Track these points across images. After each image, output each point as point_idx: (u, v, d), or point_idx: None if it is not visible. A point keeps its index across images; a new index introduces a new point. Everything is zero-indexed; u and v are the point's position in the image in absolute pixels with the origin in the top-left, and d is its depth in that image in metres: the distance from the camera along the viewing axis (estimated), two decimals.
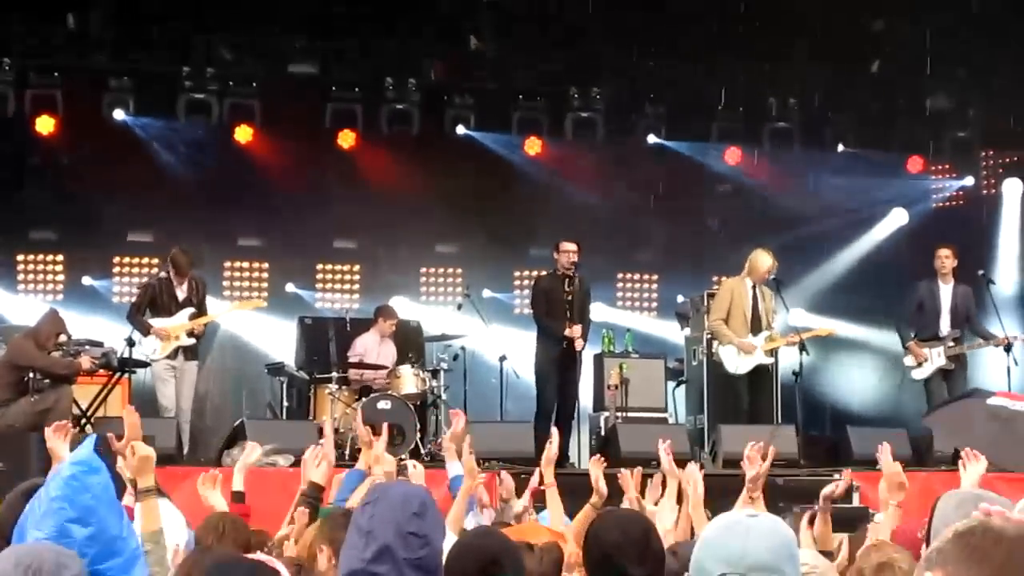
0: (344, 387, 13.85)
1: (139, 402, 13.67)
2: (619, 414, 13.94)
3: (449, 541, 4.18)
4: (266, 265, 17.39)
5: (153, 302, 13.35)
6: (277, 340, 16.23)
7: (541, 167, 17.34)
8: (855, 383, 17.82)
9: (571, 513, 7.87)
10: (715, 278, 16.51)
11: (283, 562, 4.53)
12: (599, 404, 14.52)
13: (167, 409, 13.08)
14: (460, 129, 16.88)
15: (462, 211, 16.89)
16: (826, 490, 6.95)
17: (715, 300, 14.08)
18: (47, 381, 11.92)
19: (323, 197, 16.86)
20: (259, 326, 16.46)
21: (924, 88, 17.87)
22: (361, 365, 14.27)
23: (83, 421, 12.40)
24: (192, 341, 13.34)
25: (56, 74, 15.74)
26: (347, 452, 11.75)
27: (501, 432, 13.18)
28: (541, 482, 7.81)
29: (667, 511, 6.94)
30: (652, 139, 17.39)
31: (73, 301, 15.91)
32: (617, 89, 17.28)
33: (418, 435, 13.35)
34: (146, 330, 13.14)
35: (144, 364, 13.30)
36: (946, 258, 13.92)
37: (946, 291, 13.95)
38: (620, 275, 18.39)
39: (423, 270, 17.95)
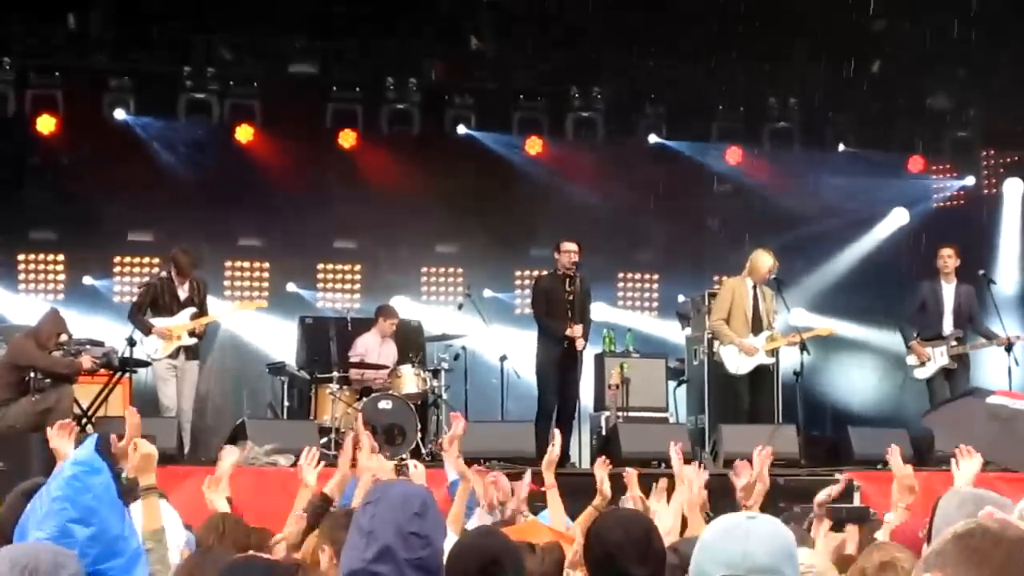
0: (345, 387, 13.86)
1: (140, 402, 13.71)
2: (620, 414, 13.94)
3: (450, 541, 4.19)
4: (267, 265, 17.40)
5: (155, 302, 13.35)
6: (278, 340, 16.23)
7: (541, 167, 17.35)
8: (856, 383, 17.82)
9: (572, 513, 7.88)
10: (715, 278, 16.53)
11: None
12: (600, 404, 14.52)
13: (168, 409, 13.09)
14: (461, 129, 16.89)
15: (463, 211, 16.89)
16: (820, 495, 6.96)
17: (716, 300, 14.08)
18: (48, 381, 11.93)
19: (324, 197, 16.86)
20: (260, 326, 16.46)
21: (924, 88, 17.87)
22: (362, 365, 14.27)
23: (84, 421, 12.39)
24: (194, 341, 13.35)
25: (56, 74, 15.75)
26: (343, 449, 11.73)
27: (502, 432, 13.18)
28: (542, 484, 7.80)
29: (669, 512, 6.92)
30: (653, 139, 17.40)
31: (74, 301, 15.92)
32: (617, 89, 17.29)
33: (419, 435, 13.35)
34: (148, 330, 13.14)
35: (145, 364, 13.30)
36: (948, 258, 13.91)
37: (949, 291, 13.95)
38: (621, 275, 18.39)
39: (424, 270, 17.95)
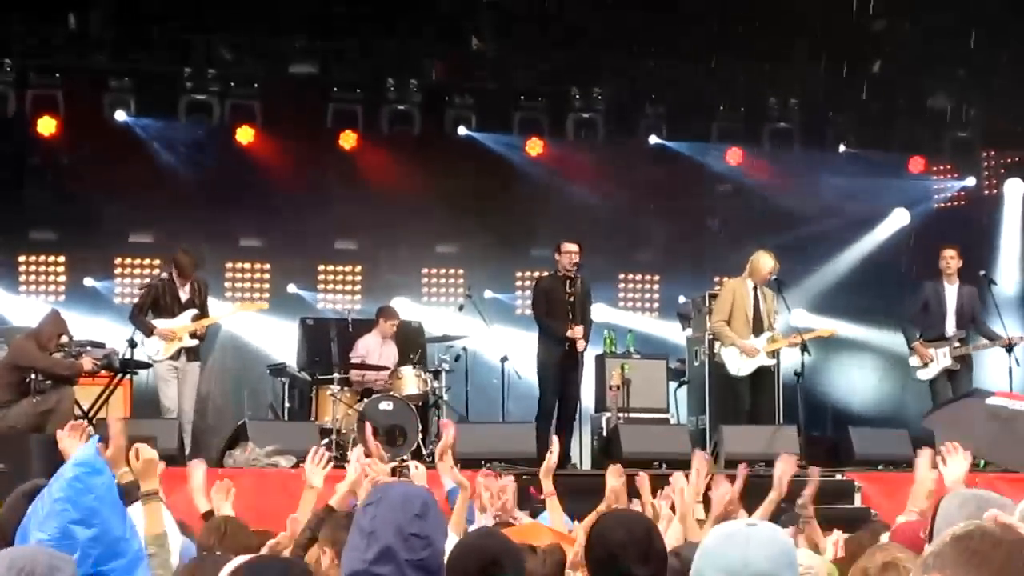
0: (346, 388, 13.86)
1: (141, 403, 13.74)
2: (621, 415, 13.94)
3: (451, 542, 4.19)
4: (267, 266, 17.40)
5: (156, 303, 13.35)
6: (279, 341, 16.22)
7: (542, 167, 17.35)
8: (856, 383, 17.82)
9: (572, 514, 7.87)
10: (716, 278, 16.53)
11: None
12: (601, 405, 14.52)
13: (169, 410, 13.09)
14: (461, 130, 16.89)
15: (463, 211, 16.89)
16: (800, 502, 6.98)
17: (717, 301, 14.07)
18: (49, 382, 11.92)
19: (324, 198, 16.86)
20: (261, 327, 16.45)
21: (924, 88, 17.87)
22: (363, 366, 14.28)
23: (85, 422, 12.38)
24: (195, 342, 13.35)
25: (57, 75, 15.75)
26: (348, 453, 11.73)
27: (503, 433, 13.19)
28: (541, 491, 7.78)
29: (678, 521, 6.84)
30: (653, 140, 17.40)
31: (74, 302, 15.92)
32: (617, 89, 17.29)
33: (420, 436, 13.36)
34: (149, 331, 13.14)
35: (146, 365, 13.30)
36: (951, 259, 13.90)
37: (951, 292, 13.94)
38: (621, 276, 18.38)
39: (424, 271, 17.95)
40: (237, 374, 16.35)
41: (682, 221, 18.12)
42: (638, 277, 18.55)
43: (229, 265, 17.19)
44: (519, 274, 17.72)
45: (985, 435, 6.27)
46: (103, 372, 12.95)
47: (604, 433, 14.00)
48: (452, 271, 17.91)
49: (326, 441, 12.98)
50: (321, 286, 17.61)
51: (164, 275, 13.65)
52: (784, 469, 7.19)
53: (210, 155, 16.52)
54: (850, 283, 17.88)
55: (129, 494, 5.13)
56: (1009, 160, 18.33)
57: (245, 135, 16.29)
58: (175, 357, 13.18)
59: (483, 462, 11.92)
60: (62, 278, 16.78)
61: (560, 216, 16.49)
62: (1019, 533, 2.33)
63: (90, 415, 12.60)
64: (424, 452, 13.22)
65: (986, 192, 18.43)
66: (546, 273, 14.28)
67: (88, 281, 16.77)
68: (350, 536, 3.93)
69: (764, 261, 13.62)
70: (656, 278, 18.49)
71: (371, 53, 16.64)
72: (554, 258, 13.79)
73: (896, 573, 4.19)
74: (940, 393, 13.56)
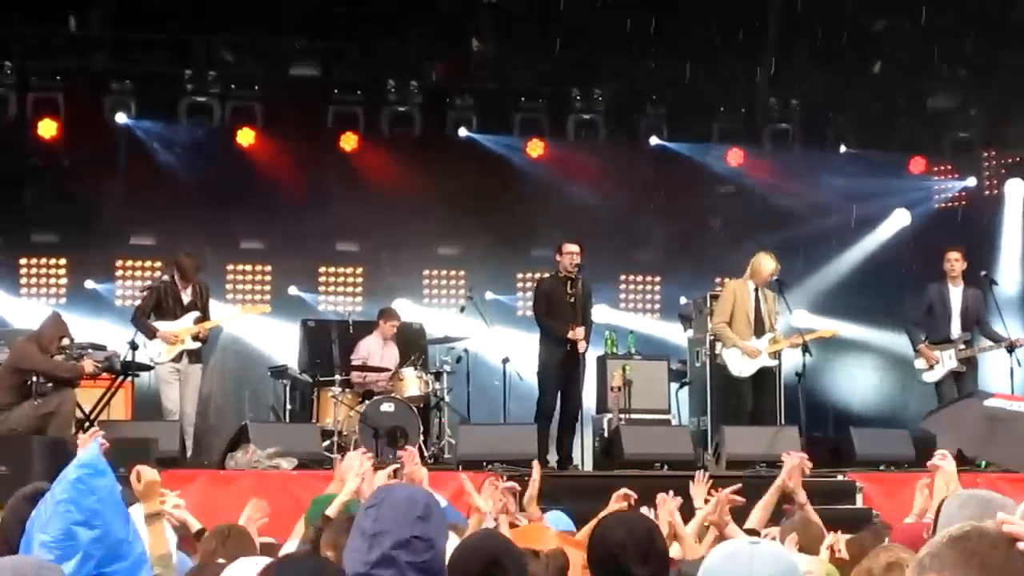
0: (347, 390, 13.87)
1: (142, 405, 13.74)
2: (622, 416, 13.94)
3: (451, 543, 4.18)
4: (268, 268, 17.40)
5: (158, 306, 13.34)
6: (280, 343, 16.23)
7: (543, 168, 17.35)
8: (858, 384, 17.81)
9: (572, 514, 7.86)
10: (717, 279, 16.53)
11: None
12: (602, 406, 14.51)
13: (171, 412, 13.08)
14: (462, 131, 16.90)
15: (464, 213, 16.88)
16: (800, 497, 7.03)
17: (718, 303, 14.06)
18: (50, 385, 11.91)
19: (325, 199, 16.87)
20: (262, 329, 16.45)
21: (925, 88, 17.87)
22: (364, 368, 14.28)
23: (86, 425, 12.39)
24: (197, 345, 13.35)
25: (57, 77, 15.76)
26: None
27: (504, 434, 13.17)
28: (530, 521, 7.73)
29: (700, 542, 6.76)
30: (654, 140, 17.41)
31: (76, 304, 15.92)
32: (618, 90, 17.30)
33: (421, 437, 13.36)
34: (152, 334, 13.14)
35: (147, 367, 13.29)
36: (955, 261, 13.85)
37: (956, 294, 13.91)
38: (622, 276, 18.38)
39: (425, 272, 17.95)
40: (238, 374, 16.35)
41: (683, 222, 18.12)
42: (639, 278, 18.55)
43: (230, 267, 17.20)
44: (520, 275, 17.72)
45: (983, 436, 6.28)
46: (104, 374, 12.94)
47: (605, 434, 14.00)
48: (453, 272, 17.91)
49: (327, 443, 13.02)
50: (322, 288, 17.62)
51: (166, 277, 13.63)
52: (792, 465, 7.32)
53: (211, 157, 16.51)
54: (851, 284, 17.87)
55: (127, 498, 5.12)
56: (1010, 160, 18.30)
57: (246, 137, 16.30)
58: (177, 359, 13.17)
59: (484, 463, 11.93)
60: (63, 280, 16.79)
61: (561, 217, 16.49)
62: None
63: (91, 417, 12.60)
64: (426, 454, 13.23)
65: (987, 192, 18.41)
66: (547, 274, 14.26)
67: (89, 283, 16.78)
68: (351, 538, 3.92)
69: (765, 263, 13.61)
70: (657, 279, 18.49)
71: (371, 54, 16.65)
72: (555, 259, 13.78)
73: (900, 573, 4.19)
74: (946, 396, 13.50)
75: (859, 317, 17.39)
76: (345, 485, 6.42)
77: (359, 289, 17.66)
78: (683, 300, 16.46)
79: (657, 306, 18.30)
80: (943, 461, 6.52)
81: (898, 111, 17.95)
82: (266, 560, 4.23)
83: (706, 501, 7.14)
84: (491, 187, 17.21)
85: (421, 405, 13.83)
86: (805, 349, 13.52)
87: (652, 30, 16.76)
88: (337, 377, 13.93)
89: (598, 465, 13.74)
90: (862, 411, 17.01)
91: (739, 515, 6.96)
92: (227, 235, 16.85)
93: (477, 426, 13.74)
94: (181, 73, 16.03)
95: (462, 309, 15.25)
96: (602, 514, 6.91)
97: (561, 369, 13.40)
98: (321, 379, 14.11)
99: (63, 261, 16.82)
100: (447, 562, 4.01)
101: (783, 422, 13.70)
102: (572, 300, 13.46)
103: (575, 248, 13.55)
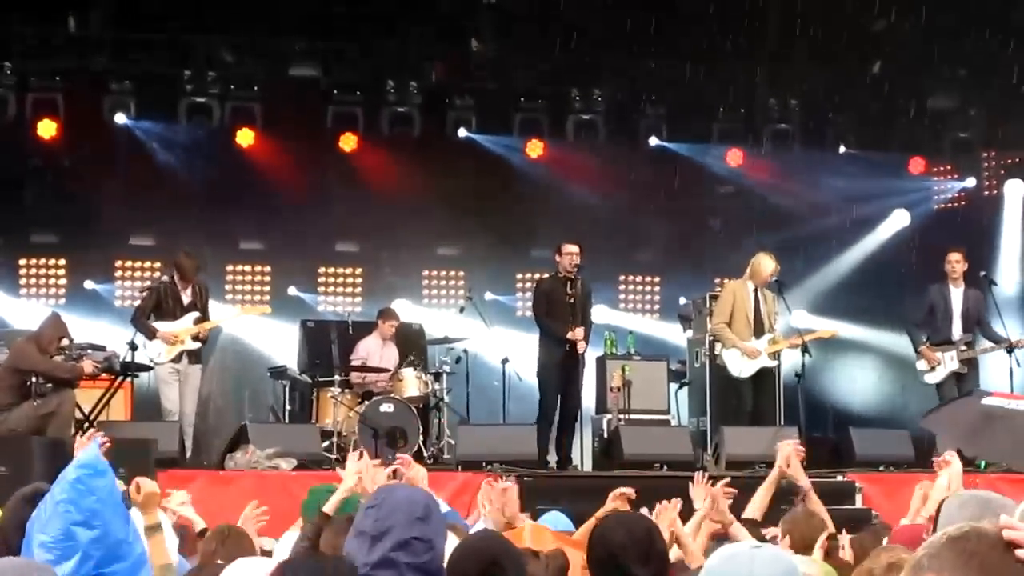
0: (346, 390, 13.87)
1: (142, 406, 13.73)
2: (621, 416, 13.93)
3: (450, 544, 4.18)
4: (268, 268, 17.40)
5: (158, 306, 13.33)
6: (279, 343, 16.22)
7: (542, 168, 17.35)
8: (857, 384, 17.81)
9: (571, 515, 7.86)
10: (717, 279, 16.53)
11: None
12: (601, 406, 14.50)
13: (171, 412, 13.07)
14: (462, 132, 16.90)
15: (463, 213, 16.88)
16: (803, 482, 7.06)
17: (718, 303, 14.05)
18: (50, 385, 11.90)
19: (324, 200, 16.87)
20: (261, 329, 16.44)
21: (925, 88, 17.86)
22: (363, 368, 14.28)
23: (86, 425, 12.38)
24: (197, 345, 13.34)
25: (57, 77, 15.76)
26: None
27: (504, 434, 13.19)
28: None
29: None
30: (653, 140, 17.40)
31: (75, 305, 15.92)
32: (617, 90, 17.29)
33: (421, 438, 13.36)
34: (151, 334, 13.13)
35: (147, 368, 13.29)
36: (956, 262, 13.84)
37: (957, 295, 13.89)
38: (622, 277, 18.38)
39: (425, 273, 17.95)
40: (237, 375, 16.35)
41: (682, 222, 18.12)
42: (638, 278, 18.55)
43: (230, 268, 17.19)
44: (519, 276, 17.72)
45: (981, 434, 6.27)
46: (104, 375, 12.94)
47: (605, 435, 13.99)
48: (453, 273, 17.90)
49: (327, 444, 13.02)
50: (322, 288, 17.61)
51: (165, 278, 13.62)
52: (786, 453, 7.32)
53: (210, 157, 16.52)
54: (850, 284, 17.87)
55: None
56: (1009, 161, 18.30)
57: (245, 137, 16.30)
58: (176, 360, 13.17)
59: (484, 464, 11.93)
60: (63, 281, 16.78)
61: (560, 217, 16.48)
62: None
63: (91, 418, 12.60)
64: (425, 454, 13.24)
65: (986, 193, 18.41)
66: (547, 274, 14.25)
67: (88, 284, 16.78)
68: (350, 539, 3.92)
69: (765, 263, 13.60)
70: (656, 279, 18.48)
71: (371, 54, 16.65)
72: (554, 259, 13.77)
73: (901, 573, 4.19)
74: (947, 397, 13.49)
75: (858, 317, 17.38)
76: (343, 482, 6.42)
77: (359, 289, 17.66)
78: (682, 300, 16.46)
79: (656, 306, 18.30)
80: (951, 459, 6.56)
81: (898, 111, 17.94)
82: (266, 560, 4.23)
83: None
84: (491, 187, 17.21)
85: (420, 405, 13.83)
86: (805, 349, 13.52)
87: (652, 30, 16.74)
88: (336, 377, 13.92)
89: (597, 465, 13.73)
90: (862, 411, 17.01)
91: (737, 508, 6.98)
92: (227, 235, 16.84)
93: (476, 427, 13.74)
94: (181, 73, 16.03)
95: (461, 309, 15.25)
96: (598, 514, 6.93)
97: (560, 369, 13.39)
98: (320, 379, 14.11)
99: (63, 261, 16.82)
100: (446, 563, 4.01)
101: (783, 423, 13.68)
102: (571, 300, 13.45)
103: (574, 248, 13.54)
